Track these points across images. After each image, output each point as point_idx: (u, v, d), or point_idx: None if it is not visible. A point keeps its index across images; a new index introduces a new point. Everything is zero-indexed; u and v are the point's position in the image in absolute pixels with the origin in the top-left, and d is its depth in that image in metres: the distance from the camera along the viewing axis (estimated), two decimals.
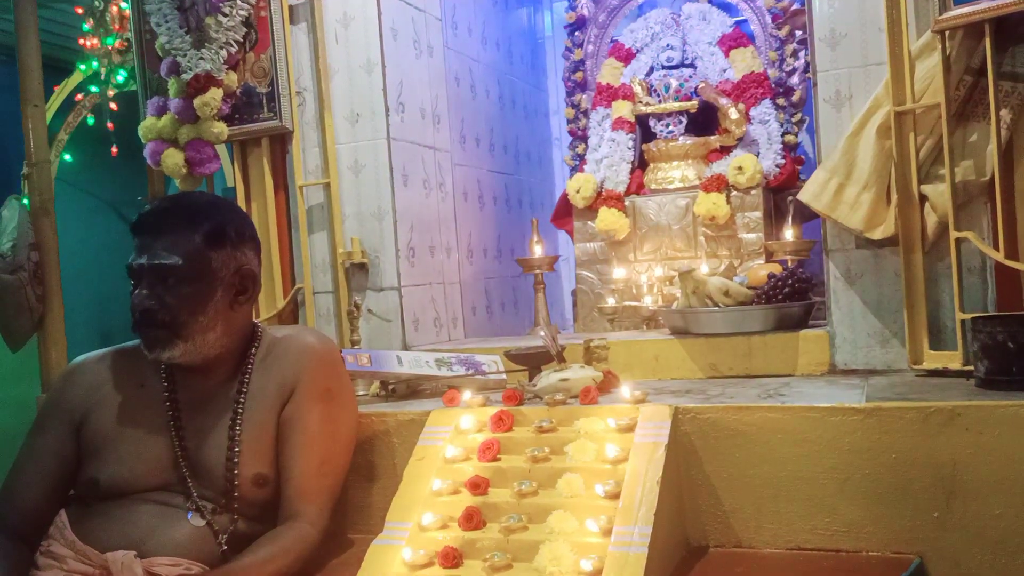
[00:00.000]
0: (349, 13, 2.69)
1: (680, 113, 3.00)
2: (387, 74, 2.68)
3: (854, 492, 1.64)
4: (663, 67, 3.10)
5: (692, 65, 3.10)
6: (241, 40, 2.69)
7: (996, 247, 1.89)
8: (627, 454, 1.62)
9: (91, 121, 4.18)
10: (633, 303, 2.77)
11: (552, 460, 1.68)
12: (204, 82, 2.62)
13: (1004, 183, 1.88)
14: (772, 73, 3.00)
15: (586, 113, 3.25)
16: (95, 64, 3.80)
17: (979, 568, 1.57)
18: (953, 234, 1.91)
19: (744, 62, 2.99)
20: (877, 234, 2.02)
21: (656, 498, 1.52)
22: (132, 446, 1.75)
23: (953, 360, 1.92)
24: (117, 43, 3.72)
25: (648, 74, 3.14)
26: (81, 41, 3.88)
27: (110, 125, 4.01)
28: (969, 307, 1.94)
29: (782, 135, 2.91)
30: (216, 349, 1.78)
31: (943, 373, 1.93)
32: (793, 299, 2.22)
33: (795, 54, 2.98)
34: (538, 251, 3.00)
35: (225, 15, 2.65)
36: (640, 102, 3.04)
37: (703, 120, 3.01)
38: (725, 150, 2.94)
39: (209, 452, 1.76)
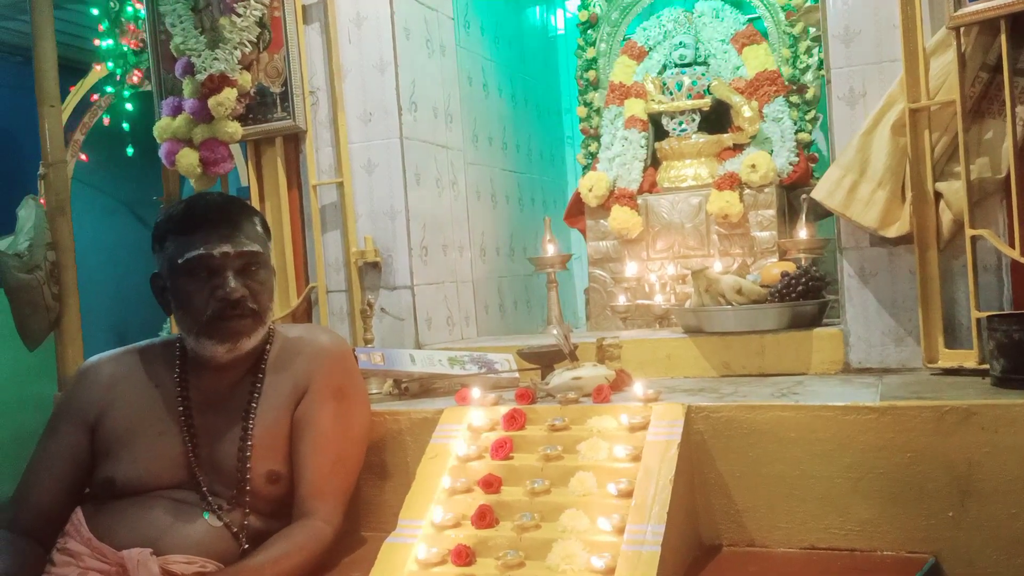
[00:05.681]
0: (362, 13, 2.70)
1: (693, 111, 2.99)
2: (400, 73, 2.69)
3: (868, 491, 1.64)
4: (676, 65, 3.09)
5: (705, 63, 3.09)
6: (255, 40, 2.70)
7: (1012, 245, 1.87)
8: (640, 452, 1.62)
9: (106, 117, 4.20)
10: (646, 302, 2.77)
11: (565, 458, 1.68)
12: (218, 82, 2.64)
13: (1020, 180, 1.86)
14: (785, 70, 2.98)
15: (599, 111, 3.25)
16: (110, 65, 3.82)
17: (994, 568, 1.56)
18: (968, 232, 1.89)
19: (757, 59, 2.97)
20: (891, 232, 2.00)
21: (669, 497, 1.52)
22: (147, 445, 1.77)
23: (968, 359, 1.91)
24: (132, 44, 3.74)
25: (661, 72, 3.13)
26: (96, 42, 3.90)
27: (125, 126, 4.03)
28: (985, 305, 1.93)
29: (795, 133, 2.90)
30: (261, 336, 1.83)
31: (958, 372, 1.92)
32: (807, 297, 2.21)
33: (809, 51, 2.97)
34: (551, 250, 2.99)
35: (239, 15, 2.67)
36: (653, 100, 3.03)
37: (716, 118, 3.00)
38: (738, 148, 2.92)
39: (222, 450, 1.77)
